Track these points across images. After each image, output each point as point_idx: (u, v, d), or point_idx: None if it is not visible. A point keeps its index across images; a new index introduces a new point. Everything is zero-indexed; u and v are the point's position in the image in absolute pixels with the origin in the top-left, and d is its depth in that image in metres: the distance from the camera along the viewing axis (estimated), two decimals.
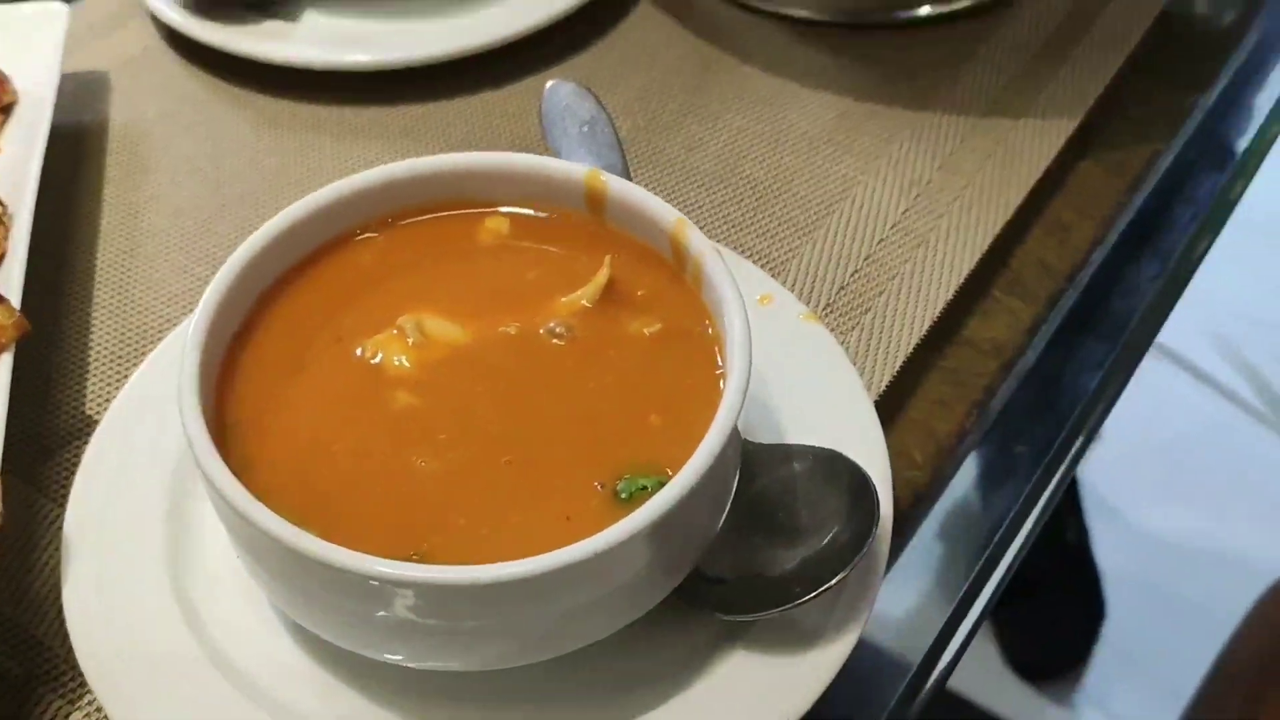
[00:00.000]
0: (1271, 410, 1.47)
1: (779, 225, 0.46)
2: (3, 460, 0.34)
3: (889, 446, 0.35)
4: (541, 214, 0.37)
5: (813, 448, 0.34)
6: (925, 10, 0.56)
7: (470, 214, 0.37)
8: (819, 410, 0.37)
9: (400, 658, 0.31)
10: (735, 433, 0.31)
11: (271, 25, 0.53)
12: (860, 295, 0.44)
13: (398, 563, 0.27)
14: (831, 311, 0.43)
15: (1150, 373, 0.47)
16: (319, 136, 0.51)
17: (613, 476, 0.31)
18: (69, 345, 0.42)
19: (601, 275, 0.34)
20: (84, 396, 0.40)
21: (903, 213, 0.47)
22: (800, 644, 0.32)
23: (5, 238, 0.40)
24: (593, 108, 0.45)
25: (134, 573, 0.33)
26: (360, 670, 0.32)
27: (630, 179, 0.38)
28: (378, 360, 0.33)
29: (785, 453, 0.34)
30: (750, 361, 0.31)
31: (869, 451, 0.35)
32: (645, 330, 0.34)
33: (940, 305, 0.43)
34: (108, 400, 0.39)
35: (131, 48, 0.55)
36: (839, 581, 0.31)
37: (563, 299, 0.34)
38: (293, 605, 0.31)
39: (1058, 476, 0.41)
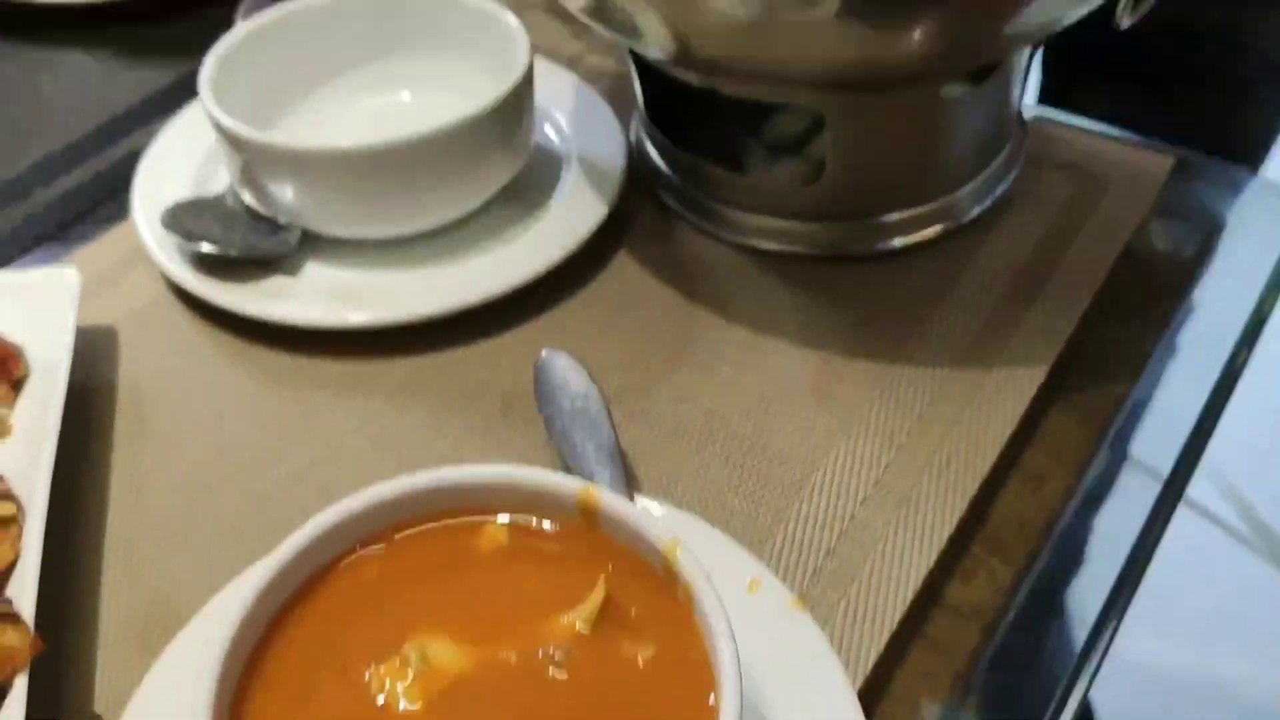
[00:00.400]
0: (1257, 535, 1.48)
1: (764, 486, 0.48)
2: None
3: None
4: (539, 522, 0.38)
5: None
6: (898, 242, 0.58)
7: (470, 522, 0.38)
8: (803, 704, 0.38)
9: None
10: None
11: (274, 282, 0.55)
12: (846, 562, 0.45)
13: None
14: (818, 581, 0.44)
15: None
16: (321, 393, 0.52)
17: None
18: (78, 637, 0.43)
19: (596, 596, 0.36)
20: (92, 698, 0.41)
21: (884, 468, 0.49)
22: None
23: (18, 539, 0.42)
24: (584, 383, 0.47)
25: None
26: None
27: (621, 453, 0.42)
28: (381, 689, 0.34)
29: None
30: (740, 699, 0.32)
31: None
32: (640, 656, 0.35)
33: (923, 572, 0.45)
34: (115, 703, 0.40)
35: (138, 299, 0.57)
36: None
37: (560, 619, 0.36)
38: None
39: None
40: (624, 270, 0.59)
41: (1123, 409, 0.52)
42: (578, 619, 0.36)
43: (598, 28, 0.52)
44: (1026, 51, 0.57)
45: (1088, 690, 0.44)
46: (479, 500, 0.38)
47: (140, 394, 0.52)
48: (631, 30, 0.50)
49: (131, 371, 0.53)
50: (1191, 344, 0.56)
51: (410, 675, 0.35)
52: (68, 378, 0.48)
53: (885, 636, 0.43)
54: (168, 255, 0.56)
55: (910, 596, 0.44)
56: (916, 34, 0.45)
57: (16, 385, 0.49)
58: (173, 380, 0.53)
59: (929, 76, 0.52)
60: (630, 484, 0.46)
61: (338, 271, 0.56)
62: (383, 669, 0.35)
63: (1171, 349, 0.56)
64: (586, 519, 0.38)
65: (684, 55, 0.50)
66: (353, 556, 0.38)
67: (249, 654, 0.35)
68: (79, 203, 0.62)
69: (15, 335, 0.50)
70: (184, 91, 0.70)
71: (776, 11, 0.45)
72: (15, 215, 0.61)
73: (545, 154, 0.62)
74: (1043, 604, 0.46)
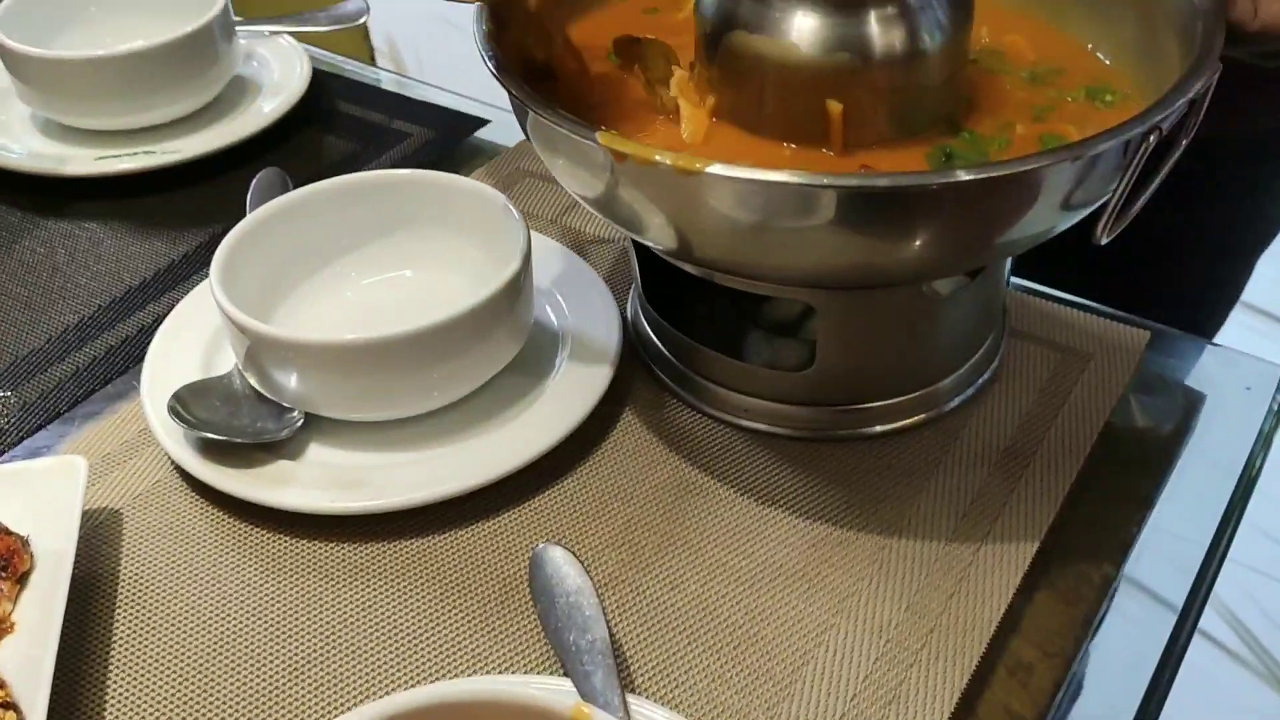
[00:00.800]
0: (1255, 655, 1.47)
1: (756, 679, 0.49)
2: None
3: None
4: None
5: None
6: (866, 430, 0.60)
7: None
8: None
9: None
10: None
11: (277, 467, 0.57)
12: None
13: None
14: None
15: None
16: (321, 581, 0.53)
17: None
18: None
19: None
20: None
21: (874, 662, 0.49)
22: None
23: None
24: (578, 577, 0.49)
25: None
26: None
27: (611, 653, 0.43)
28: None
29: None
30: None
31: None
32: None
33: None
34: None
35: (144, 481, 0.58)
36: None
37: None
38: None
39: None
40: (619, 447, 0.60)
41: (1109, 593, 0.53)
42: None
43: (605, 218, 0.55)
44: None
45: None
46: (476, 716, 0.39)
47: (143, 583, 0.53)
48: (637, 227, 0.52)
49: (134, 559, 0.54)
50: (1176, 519, 0.58)
51: None
52: (71, 573, 0.49)
53: None
54: (173, 438, 0.57)
55: None
56: (906, 246, 0.48)
57: (21, 579, 0.50)
58: (175, 568, 0.54)
59: (917, 280, 0.54)
60: (622, 682, 0.46)
61: (340, 453, 0.58)
62: None
63: (1155, 528, 0.57)
64: None
65: (685, 253, 0.53)
66: None
67: None
68: (92, 379, 0.64)
69: (22, 524, 0.52)
70: (196, 263, 0.73)
71: (774, 221, 0.47)
72: (30, 392, 0.63)
73: (543, 330, 0.64)
74: None
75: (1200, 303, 0.89)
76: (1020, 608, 0.52)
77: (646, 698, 0.47)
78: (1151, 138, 0.45)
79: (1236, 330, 0.91)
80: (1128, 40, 0.58)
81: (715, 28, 0.53)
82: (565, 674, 0.47)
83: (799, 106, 0.52)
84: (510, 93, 0.51)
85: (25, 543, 0.51)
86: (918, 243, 0.48)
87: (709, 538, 0.55)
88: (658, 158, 0.46)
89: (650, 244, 0.55)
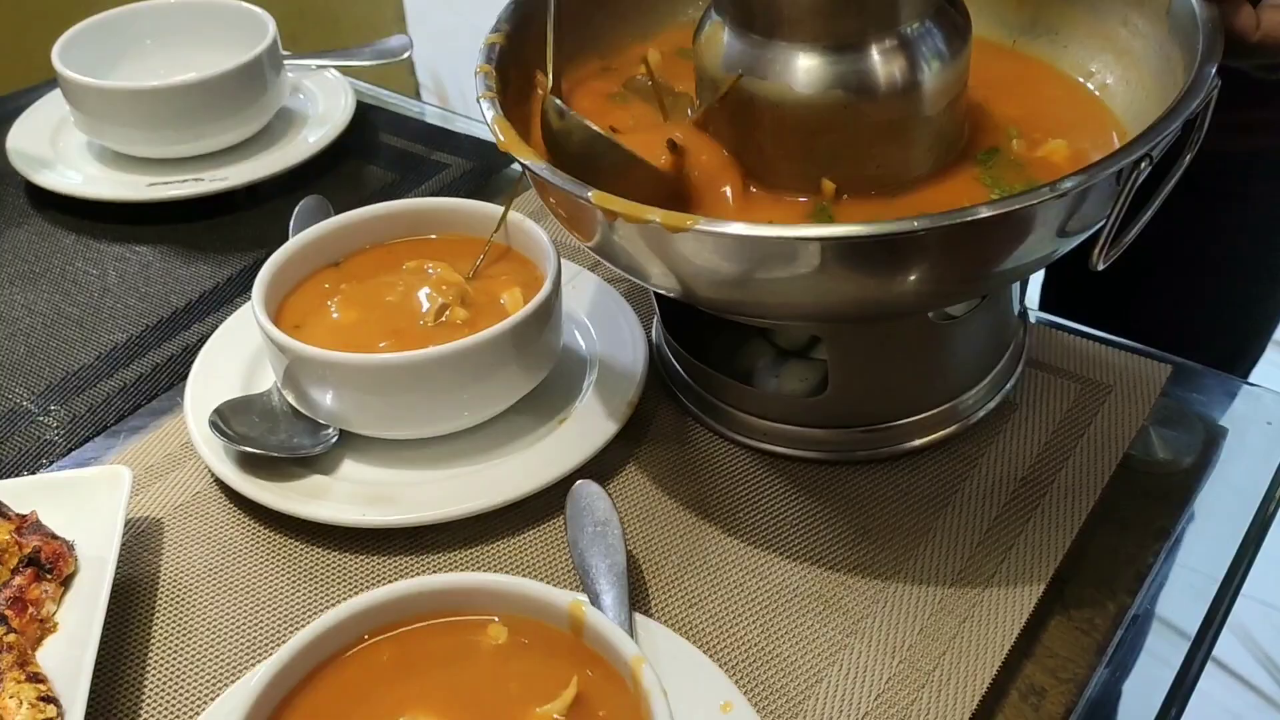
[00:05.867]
0: (1274, 684, 1.45)
1: (771, 696, 0.50)
2: None
3: None
4: (531, 626, 0.44)
5: None
6: (883, 450, 0.61)
7: (476, 621, 0.44)
8: None
9: None
10: None
11: (312, 481, 0.59)
12: None
13: None
14: None
15: None
16: (349, 591, 0.55)
17: None
18: None
19: (569, 693, 0.41)
20: None
21: (886, 682, 0.50)
22: None
23: None
24: (607, 509, 0.53)
25: None
26: None
27: (626, 577, 0.48)
28: None
29: None
30: None
31: None
32: None
33: None
34: None
35: (185, 493, 0.61)
36: None
37: (538, 709, 0.41)
38: None
39: None
40: (642, 469, 0.61)
41: (1123, 622, 0.54)
42: (554, 710, 0.41)
43: (610, 266, 0.57)
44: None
45: None
46: (485, 603, 0.44)
47: (181, 589, 0.55)
48: (640, 275, 0.54)
49: (173, 566, 0.57)
50: (1194, 553, 0.58)
51: None
52: (113, 577, 0.51)
53: None
54: (214, 452, 0.60)
55: None
56: (899, 285, 0.49)
57: (66, 581, 0.52)
58: (212, 575, 0.56)
59: (918, 312, 0.55)
60: (632, 605, 0.50)
61: (372, 469, 0.60)
62: None
63: (1172, 560, 0.57)
64: (574, 629, 0.43)
65: (688, 296, 0.54)
66: (368, 643, 0.43)
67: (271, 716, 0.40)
68: (138, 395, 0.67)
69: (68, 530, 0.54)
70: (239, 286, 0.76)
71: (765, 271, 0.48)
72: (79, 406, 0.66)
73: (572, 355, 0.66)
74: None
75: (1233, 333, 0.89)
76: (1034, 633, 0.53)
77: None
78: (1143, 164, 0.46)
79: (1265, 368, 0.91)
80: (1138, 58, 0.58)
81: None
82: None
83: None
84: (515, 158, 0.52)
85: (70, 547, 0.53)
86: (910, 280, 0.49)
87: (728, 559, 0.56)
88: (649, 216, 0.47)
89: (653, 289, 0.56)
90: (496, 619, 0.44)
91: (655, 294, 0.65)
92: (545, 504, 0.59)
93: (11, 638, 0.47)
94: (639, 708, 0.41)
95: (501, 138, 0.53)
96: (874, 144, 0.53)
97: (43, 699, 0.45)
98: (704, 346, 0.64)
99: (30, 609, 0.50)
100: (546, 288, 0.60)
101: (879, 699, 0.50)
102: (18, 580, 0.50)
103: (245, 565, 0.57)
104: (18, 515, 0.54)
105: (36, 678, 0.46)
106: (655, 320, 0.69)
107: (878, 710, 0.49)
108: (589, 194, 0.48)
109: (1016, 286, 0.62)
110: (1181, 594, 0.57)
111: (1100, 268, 0.48)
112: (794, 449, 0.61)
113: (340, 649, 0.43)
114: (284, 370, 0.59)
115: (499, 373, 0.59)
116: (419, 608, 0.44)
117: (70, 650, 0.49)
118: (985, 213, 0.45)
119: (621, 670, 0.42)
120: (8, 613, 0.49)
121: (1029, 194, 0.45)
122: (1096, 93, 0.60)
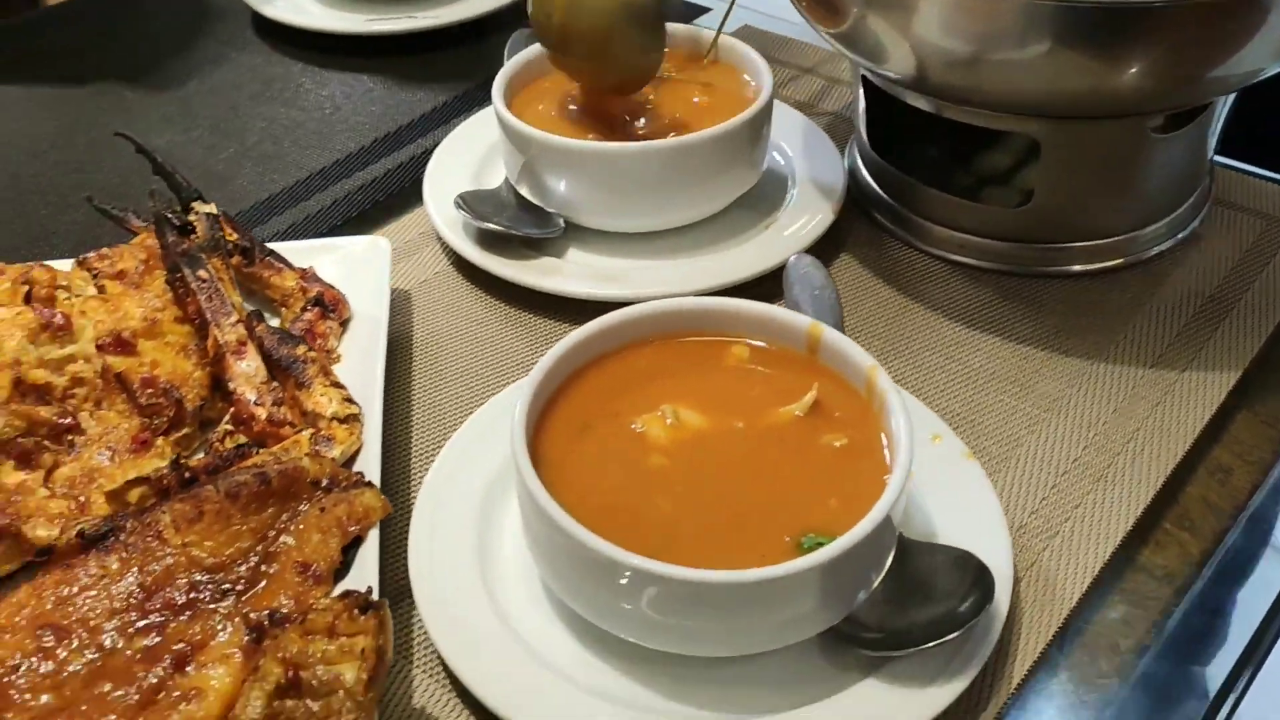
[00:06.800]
0: None
1: (975, 454, 0.54)
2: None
3: (1077, 659, 0.45)
4: (771, 347, 0.50)
5: (953, 547, 0.45)
6: (1076, 267, 0.65)
7: (720, 340, 0.50)
8: (964, 524, 0.48)
9: (628, 633, 0.43)
10: (890, 520, 0.42)
11: (543, 262, 0.65)
12: (1048, 520, 0.51)
13: (641, 557, 0.40)
14: (1024, 533, 0.50)
15: None
16: None
17: (798, 534, 0.42)
18: (399, 504, 0.52)
19: (810, 395, 0.47)
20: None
21: (1082, 449, 0.54)
22: (920, 681, 0.42)
23: (361, 433, 0.51)
24: (823, 278, 0.57)
25: (452, 553, 0.48)
26: (601, 639, 0.45)
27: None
28: (642, 430, 0.46)
29: (931, 548, 0.46)
30: (909, 468, 0.42)
31: (997, 557, 0.46)
32: (835, 443, 0.46)
33: (1120, 535, 0.50)
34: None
35: (428, 271, 0.67)
36: (955, 637, 0.42)
37: (780, 409, 0.47)
38: (561, 583, 0.44)
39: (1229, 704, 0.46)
40: (839, 275, 0.66)
41: None
42: (795, 409, 0.47)
43: (845, 52, 0.61)
44: (1224, 100, 0.63)
45: (1271, 647, 0.48)
46: (729, 325, 0.50)
47: (433, 348, 0.62)
48: (877, 55, 0.58)
49: (425, 328, 0.63)
50: None
51: (664, 424, 0.46)
52: (389, 315, 0.58)
53: (1086, 583, 0.48)
54: (456, 234, 0.66)
55: (1109, 553, 0.49)
56: (1125, 70, 0.52)
57: (344, 324, 0.59)
58: (458, 338, 0.63)
59: (1137, 111, 0.58)
60: None
61: (595, 258, 0.66)
62: (643, 418, 0.46)
63: None
64: (810, 349, 0.49)
65: (920, 80, 0.58)
66: (627, 350, 0.49)
67: (546, 400, 0.47)
68: (374, 193, 0.73)
69: (340, 287, 0.61)
70: (453, 111, 0.82)
71: (997, 46, 0.52)
72: (325, 199, 0.73)
73: (773, 175, 0.71)
74: (1230, 574, 0.50)
75: None
76: (1221, 423, 0.57)
77: None
78: None
79: None
80: None
81: None
82: None
83: None
84: None
85: (344, 298, 0.60)
86: (1136, 70, 0.52)
87: (927, 347, 0.61)
88: None
89: (888, 74, 0.60)
90: (739, 341, 0.50)
91: (866, 107, 0.69)
92: (757, 296, 0.64)
93: (313, 354, 0.54)
94: (869, 410, 0.46)
95: None
96: None
97: (346, 400, 0.52)
98: (906, 161, 0.68)
99: (319, 340, 0.57)
100: (764, 95, 0.64)
101: (1076, 462, 0.54)
102: (307, 315, 0.57)
103: (485, 330, 0.63)
104: (299, 268, 0.60)
105: (338, 385, 0.53)
106: (849, 148, 0.73)
107: (1075, 470, 0.53)
108: None
109: (1217, 121, 0.65)
110: None
111: None
112: (989, 261, 0.65)
113: (604, 352, 0.49)
114: (522, 163, 0.65)
115: (715, 171, 0.64)
116: (673, 324, 0.50)
117: (355, 376, 0.55)
118: None
119: (855, 381, 0.47)
120: (304, 338, 0.56)
121: None
122: None
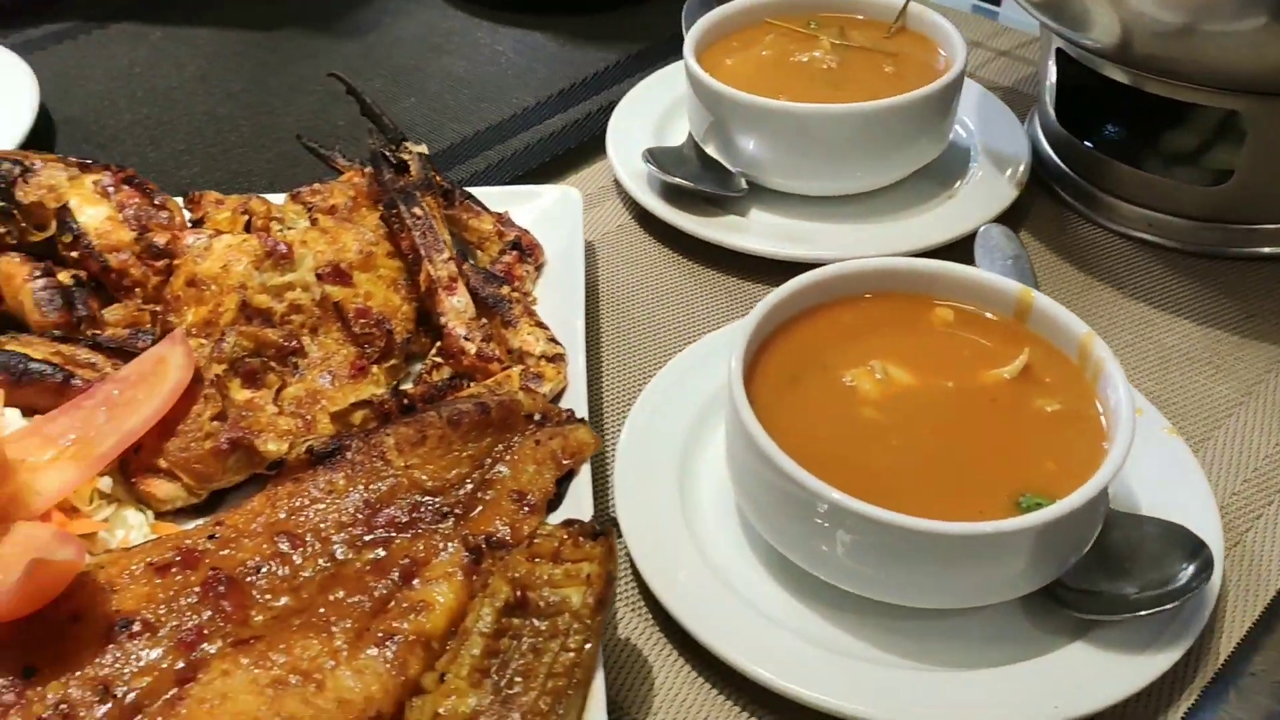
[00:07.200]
0: None
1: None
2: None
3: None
4: (978, 312, 0.50)
5: (1163, 520, 0.45)
6: (1267, 250, 0.63)
7: (928, 300, 0.50)
8: (1170, 499, 0.48)
9: (839, 579, 0.44)
10: (1105, 492, 0.42)
11: (727, 220, 0.65)
12: (1250, 502, 0.50)
13: (869, 504, 0.40)
14: (1227, 513, 0.50)
15: None
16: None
17: (1015, 493, 0.43)
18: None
19: (1022, 359, 0.47)
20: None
21: None
22: (1132, 649, 0.43)
23: (566, 373, 0.52)
24: (1016, 248, 0.57)
25: (656, 490, 0.49)
26: (806, 585, 0.46)
27: None
28: (852, 383, 0.47)
29: (1139, 520, 0.46)
30: (1130, 441, 0.42)
31: (1208, 533, 0.45)
32: (1048, 408, 0.46)
33: None
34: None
35: (610, 224, 0.68)
36: (1173, 607, 0.42)
37: (989, 372, 0.47)
38: (775, 529, 0.45)
39: None
40: (1028, 248, 0.65)
41: None
42: (1005, 372, 0.47)
43: (1048, 22, 0.60)
44: None
45: None
46: (937, 286, 0.50)
47: (620, 297, 0.63)
48: (1083, 24, 0.57)
49: (610, 277, 0.64)
50: None
51: (874, 379, 0.47)
52: (584, 262, 0.59)
53: None
54: (641, 188, 0.67)
55: None
56: None
57: (538, 270, 0.61)
58: (644, 288, 0.64)
59: None
60: None
61: (778, 219, 0.66)
62: (852, 372, 0.47)
63: None
64: (1019, 315, 0.49)
65: (1123, 50, 0.57)
66: (834, 304, 0.50)
67: (761, 345, 0.48)
68: (554, 145, 0.75)
69: (535, 233, 0.62)
70: (628, 69, 0.83)
71: (1211, 15, 0.51)
72: (505, 149, 0.74)
73: (955, 146, 0.70)
74: None
75: None
76: None
77: None
78: None
79: None
80: None
81: None
82: None
83: None
84: None
85: (539, 244, 0.61)
86: None
87: (1115, 323, 0.60)
88: None
89: (1090, 43, 0.59)
90: (946, 303, 0.50)
91: (1057, 81, 0.68)
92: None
93: (516, 294, 0.56)
94: (1081, 378, 0.46)
95: None
96: None
97: (551, 339, 0.54)
98: (1098, 136, 0.67)
99: (517, 281, 0.58)
100: (957, 66, 0.64)
101: (1278, 446, 0.53)
102: (506, 258, 0.59)
103: (668, 282, 0.64)
104: (495, 213, 0.62)
105: (543, 325, 0.55)
106: (1032, 123, 0.72)
107: (1278, 454, 0.53)
108: None
109: None
110: None
111: None
112: (1177, 241, 0.64)
113: (812, 305, 0.50)
114: (711, 121, 0.66)
115: (901, 139, 0.64)
116: (885, 283, 0.50)
117: (552, 319, 0.57)
118: None
119: (1066, 348, 0.47)
120: (506, 278, 0.57)
121: None
122: None
